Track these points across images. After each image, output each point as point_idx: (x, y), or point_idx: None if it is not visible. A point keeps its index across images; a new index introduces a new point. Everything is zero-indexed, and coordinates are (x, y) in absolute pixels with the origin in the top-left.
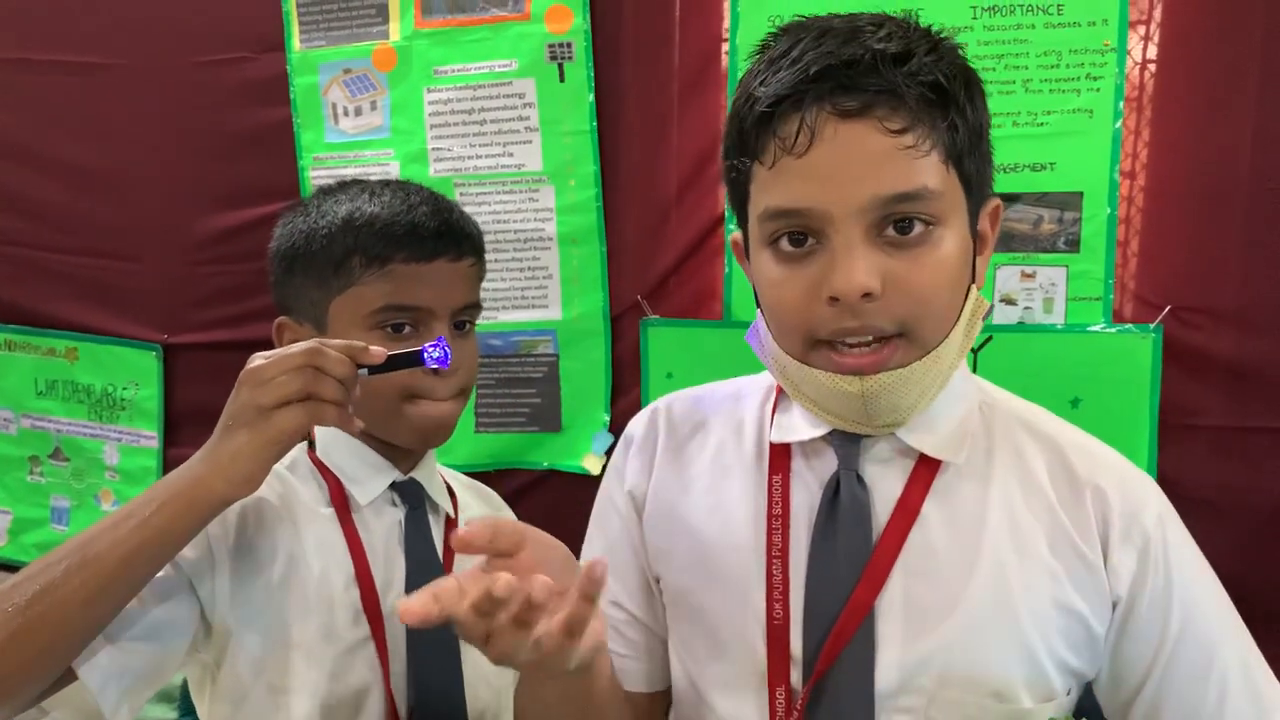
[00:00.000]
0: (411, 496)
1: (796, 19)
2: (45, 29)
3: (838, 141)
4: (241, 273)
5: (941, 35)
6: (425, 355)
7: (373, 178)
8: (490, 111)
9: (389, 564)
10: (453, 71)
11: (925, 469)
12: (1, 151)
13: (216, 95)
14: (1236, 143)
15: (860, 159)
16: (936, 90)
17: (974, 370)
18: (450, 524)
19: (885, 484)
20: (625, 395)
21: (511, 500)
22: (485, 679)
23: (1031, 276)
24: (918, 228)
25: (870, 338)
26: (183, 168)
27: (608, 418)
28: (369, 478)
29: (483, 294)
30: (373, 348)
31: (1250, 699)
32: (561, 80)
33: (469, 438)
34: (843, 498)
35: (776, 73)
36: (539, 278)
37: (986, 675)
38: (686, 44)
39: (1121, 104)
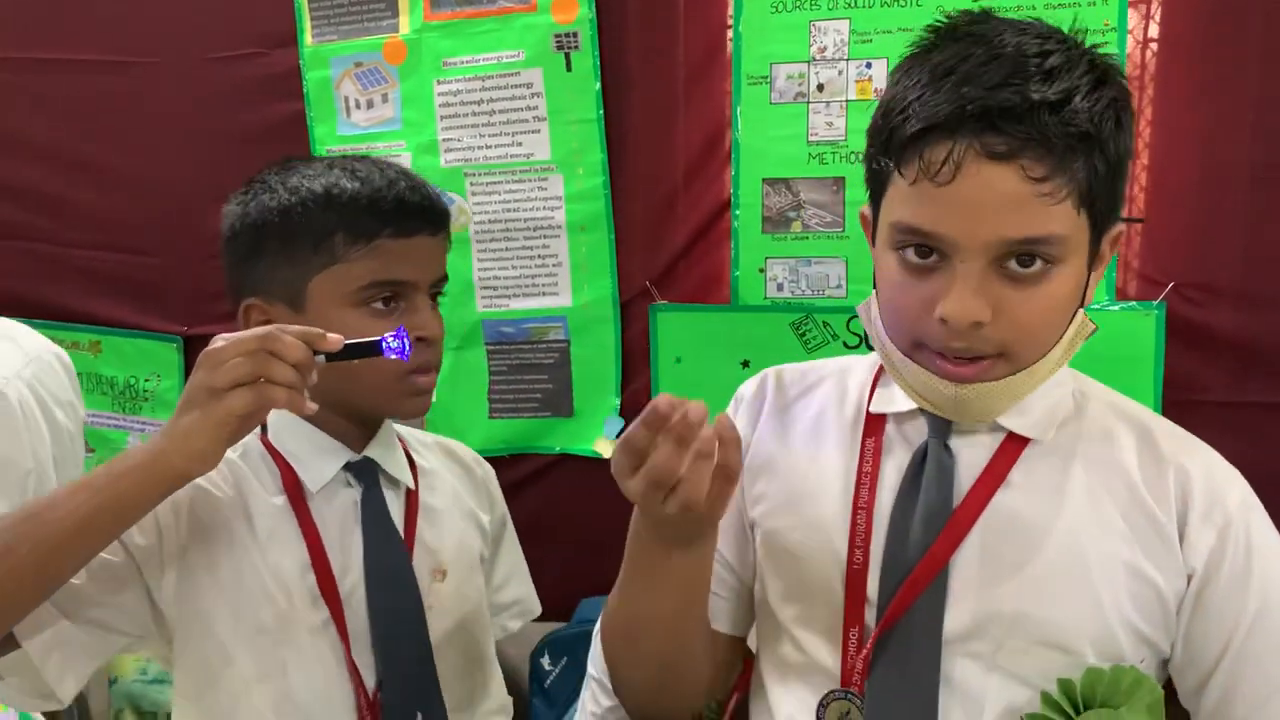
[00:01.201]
0: (367, 475)
1: (964, 14)
2: (62, 29)
3: (979, 180)
4: None
5: (1103, 61)
6: (385, 346)
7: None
8: (499, 102)
9: (346, 545)
10: (461, 63)
11: (1013, 445)
12: (24, 150)
13: (231, 91)
14: (1239, 120)
15: (997, 201)
16: (1084, 139)
17: None
18: (411, 496)
19: (972, 454)
20: (635, 380)
21: (525, 484)
22: (451, 641)
23: None
24: (1038, 264)
25: (969, 353)
26: (200, 163)
27: (618, 402)
28: (320, 462)
29: (495, 282)
30: (330, 335)
31: None
32: (568, 70)
33: (482, 423)
34: (929, 462)
35: (937, 92)
36: (549, 265)
37: (1053, 628)
38: (691, 31)
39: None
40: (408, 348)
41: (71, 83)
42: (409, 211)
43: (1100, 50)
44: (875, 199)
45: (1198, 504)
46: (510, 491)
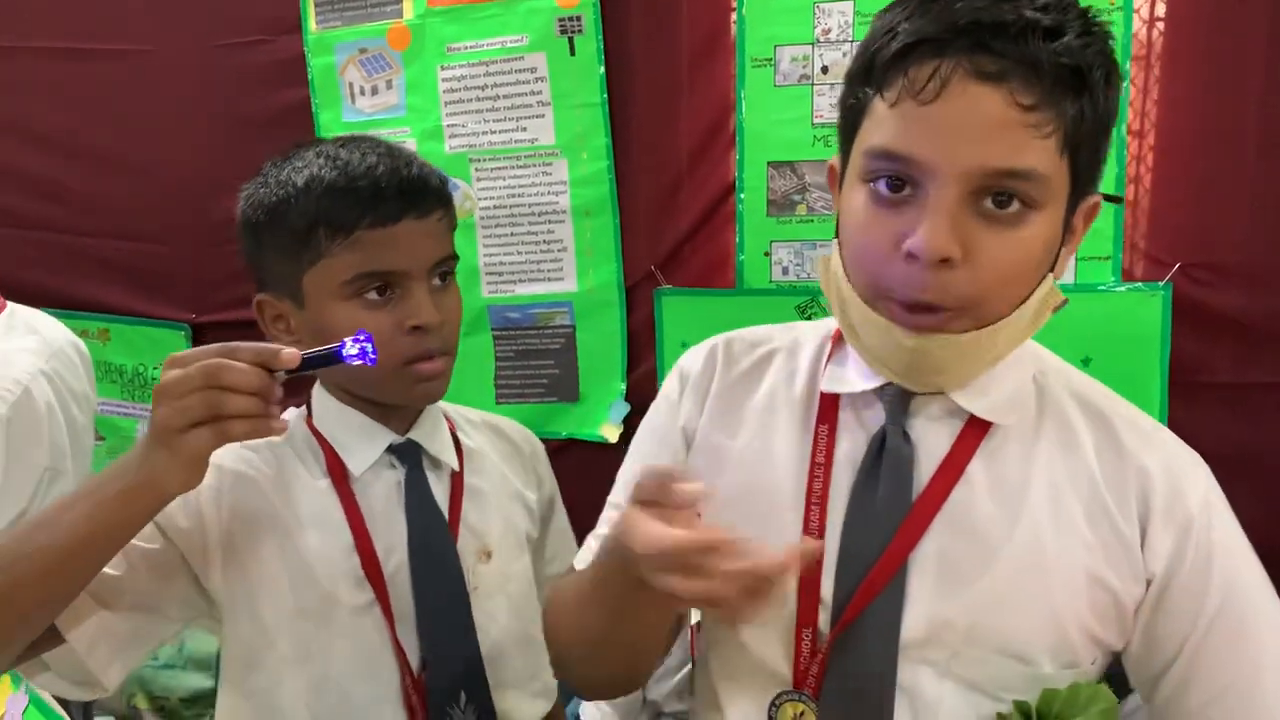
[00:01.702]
0: (410, 457)
1: None
2: (70, 18)
3: (965, 100)
4: None
5: (1097, 19)
6: (343, 354)
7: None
8: (503, 87)
9: (390, 527)
10: (465, 48)
11: (973, 431)
12: (32, 139)
13: (236, 78)
14: (1246, 99)
15: (982, 124)
16: (1076, 74)
17: None
18: (456, 478)
19: (931, 441)
20: (641, 364)
21: None
22: (496, 622)
23: None
24: (1014, 206)
25: (933, 298)
26: (206, 150)
27: (624, 387)
28: (362, 445)
29: (500, 267)
30: (285, 351)
31: None
32: (572, 54)
33: (488, 409)
34: (887, 451)
35: (926, 14)
36: (554, 250)
37: (1012, 638)
38: (695, 14)
39: (1129, 62)
40: (371, 351)
41: (78, 71)
42: (386, 197)
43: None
44: (847, 140)
45: (1158, 505)
46: None
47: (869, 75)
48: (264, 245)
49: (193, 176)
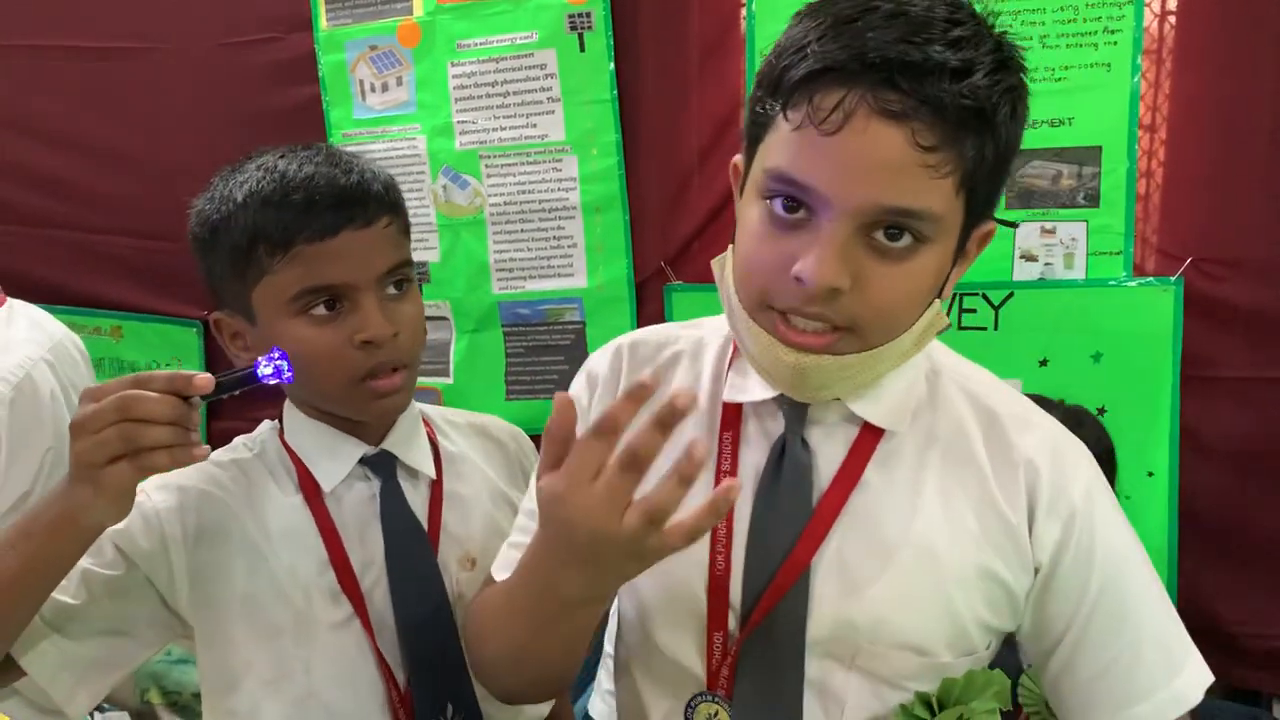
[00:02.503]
0: (384, 468)
1: None
2: (82, 16)
3: (866, 137)
4: None
5: (1011, 53)
6: (259, 375)
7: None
8: (513, 83)
9: (366, 540)
10: (475, 45)
11: (868, 437)
12: (44, 137)
13: (247, 75)
14: (1257, 94)
15: (881, 163)
16: (979, 114)
17: (995, 328)
18: (435, 486)
19: (829, 449)
20: None
21: None
22: None
23: (1051, 232)
24: (906, 239)
25: (819, 325)
26: (218, 148)
27: None
28: (333, 459)
29: (510, 264)
30: (196, 377)
31: (1163, 647)
32: (582, 50)
33: (499, 405)
34: (787, 460)
35: (837, 38)
36: (564, 246)
37: (911, 633)
38: (705, 11)
39: (1140, 57)
40: (287, 369)
41: (90, 69)
42: (323, 208)
43: (1110, 20)
44: (751, 146)
45: (1044, 499)
46: None
47: (776, 89)
48: (212, 263)
49: (204, 174)
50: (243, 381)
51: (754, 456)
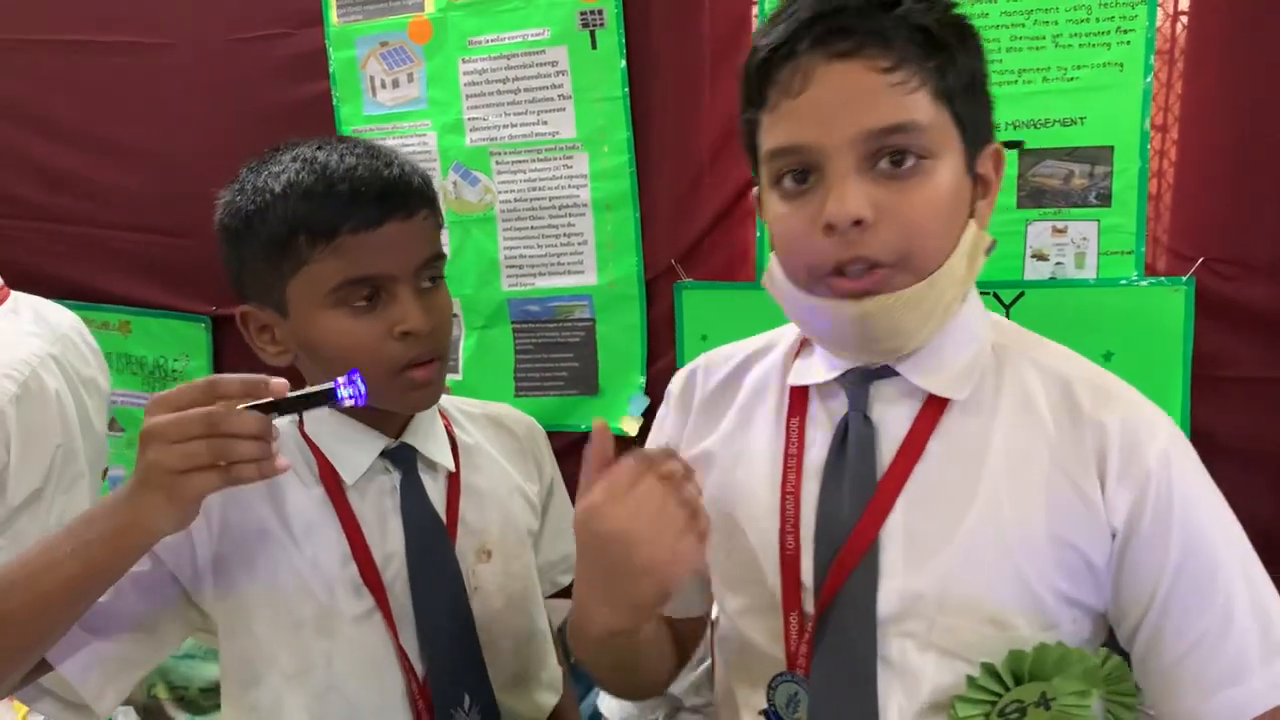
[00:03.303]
0: (404, 461)
1: None
2: (91, 11)
3: (829, 80)
4: None
5: None
6: (339, 396)
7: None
8: (524, 80)
9: (386, 533)
10: (487, 42)
11: (931, 408)
12: (52, 132)
13: (257, 71)
14: (1270, 94)
15: (851, 95)
16: (924, 33)
17: None
18: (452, 479)
19: (892, 423)
20: (661, 358)
21: None
22: (499, 622)
23: (1063, 232)
24: (910, 160)
25: (864, 266)
26: (227, 143)
27: (644, 381)
28: (356, 452)
29: (520, 261)
30: (273, 382)
31: (1259, 625)
32: (594, 47)
33: (508, 402)
34: (850, 437)
35: (775, 25)
36: (574, 244)
37: (981, 603)
38: (717, 9)
39: (1153, 57)
40: (362, 390)
41: (99, 65)
42: (367, 200)
43: (1123, 20)
44: (754, 160)
45: (1114, 463)
46: None
47: (750, 97)
48: (244, 255)
49: (213, 170)
50: (318, 400)
51: (820, 438)
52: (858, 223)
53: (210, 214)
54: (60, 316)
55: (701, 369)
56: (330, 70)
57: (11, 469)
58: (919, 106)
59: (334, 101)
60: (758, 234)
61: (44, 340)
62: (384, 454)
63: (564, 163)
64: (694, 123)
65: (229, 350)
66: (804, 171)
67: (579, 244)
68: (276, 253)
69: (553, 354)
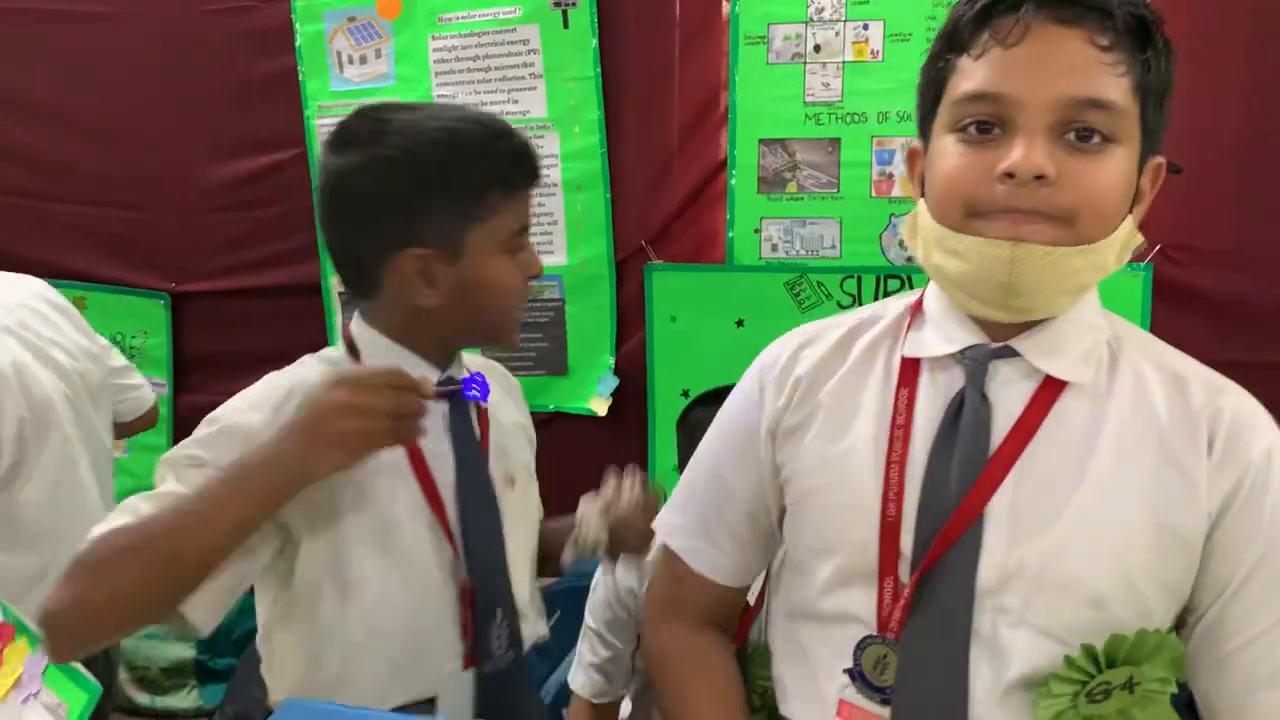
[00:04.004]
0: (452, 393)
1: None
2: None
3: (1047, 39)
4: (249, 221)
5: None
6: (467, 394)
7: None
8: (495, 59)
9: (441, 460)
10: (457, 19)
11: (1048, 390)
12: (6, 105)
13: (222, 44)
14: (1227, 89)
15: (1063, 59)
16: (1142, 24)
17: None
18: (481, 410)
19: (1007, 403)
20: (630, 339)
21: None
22: (519, 547)
23: None
24: (1095, 139)
25: (1030, 214)
26: (189, 117)
27: (613, 361)
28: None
29: None
30: (426, 384)
31: None
32: (565, 27)
33: None
34: (966, 412)
35: None
36: (544, 224)
37: (1080, 584)
38: None
39: None
40: (484, 389)
41: (59, 34)
42: (534, 162)
43: None
44: (930, 111)
45: (1220, 449)
46: None
47: (952, 43)
48: (430, 202)
49: (176, 143)
50: (449, 395)
51: (929, 411)
52: (1040, 177)
53: (170, 188)
54: (13, 292)
55: (803, 342)
56: (296, 45)
57: None
58: (1121, 90)
59: (300, 77)
60: (728, 217)
61: None
62: (437, 385)
63: (535, 142)
64: (666, 105)
65: (189, 327)
66: (989, 124)
67: (549, 224)
68: (468, 202)
69: (522, 334)
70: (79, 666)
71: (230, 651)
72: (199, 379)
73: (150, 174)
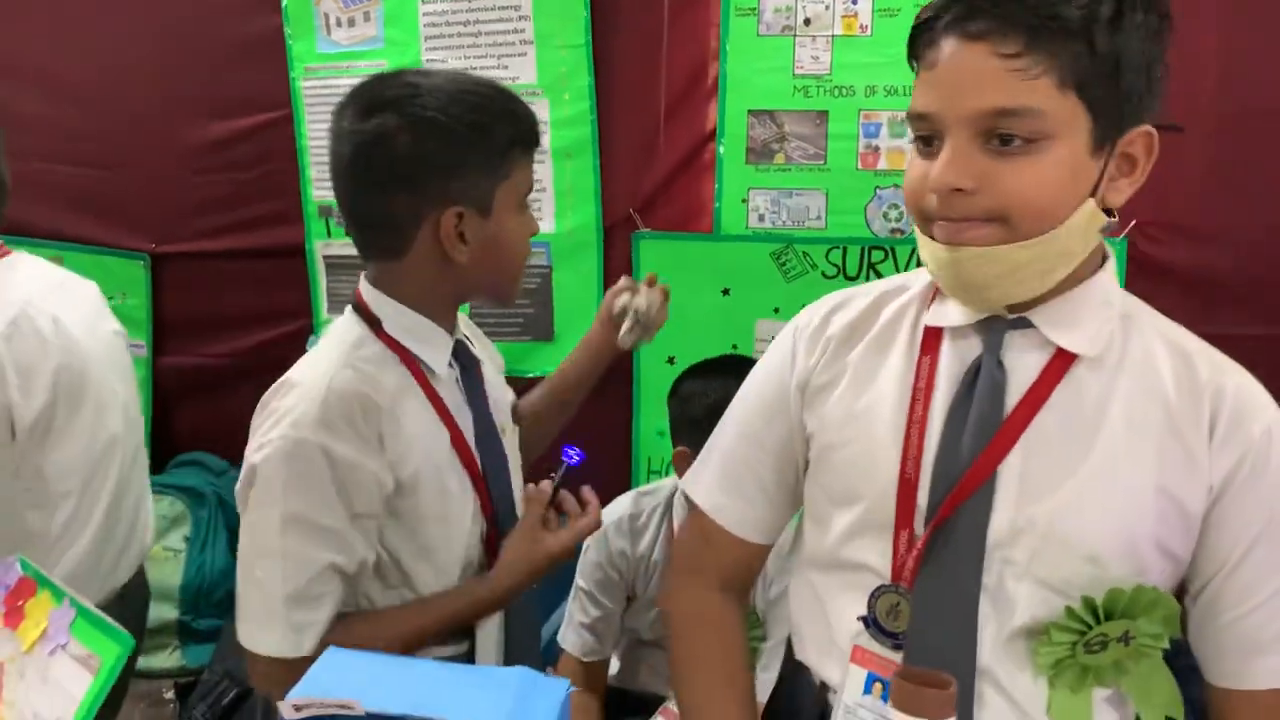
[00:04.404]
0: (463, 354)
1: None
2: None
3: (957, 60)
4: (232, 182)
5: None
6: (572, 464)
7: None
8: (485, 24)
9: (459, 412)
10: None
11: (1060, 361)
12: None
13: (207, 4)
14: (1201, 67)
15: (971, 76)
16: (1056, 20)
17: None
18: (478, 368)
19: (1022, 371)
20: None
21: None
22: (514, 490)
23: None
24: (1016, 142)
25: (960, 222)
26: (173, 76)
27: None
28: (437, 349)
29: None
30: (590, 523)
31: None
32: None
33: None
34: (981, 378)
35: (932, 1)
36: (533, 191)
37: (1083, 542)
38: None
39: None
40: (579, 455)
41: None
42: (537, 125)
43: None
44: None
45: (1223, 426)
46: None
47: (910, 58)
48: (466, 161)
49: (159, 103)
50: (566, 479)
51: (949, 376)
52: (955, 190)
53: (149, 148)
54: (59, 274)
55: (835, 306)
56: (283, 5)
57: (15, 406)
58: (1038, 94)
59: (286, 38)
60: (716, 186)
61: (38, 285)
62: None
63: None
64: (655, 74)
65: (169, 289)
66: (930, 137)
67: (538, 191)
68: (498, 158)
69: None
70: (108, 618)
71: (212, 613)
72: (179, 341)
73: (133, 133)
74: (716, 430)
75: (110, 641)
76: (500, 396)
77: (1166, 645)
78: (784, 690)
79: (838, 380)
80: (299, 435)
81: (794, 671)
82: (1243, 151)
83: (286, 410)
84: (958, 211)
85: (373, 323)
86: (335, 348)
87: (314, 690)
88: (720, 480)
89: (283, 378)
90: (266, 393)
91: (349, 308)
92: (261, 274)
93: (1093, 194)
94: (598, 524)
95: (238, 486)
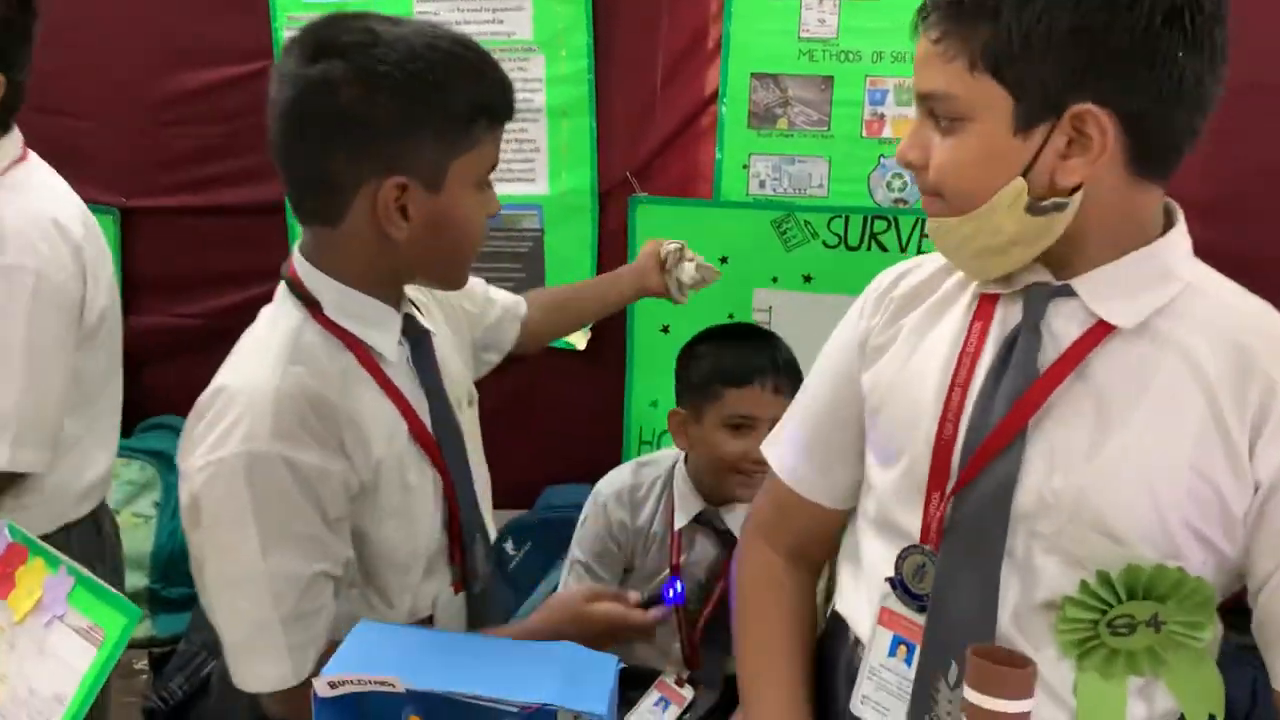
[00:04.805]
0: (412, 330)
1: None
2: None
3: (920, 43)
4: (209, 135)
5: None
6: (668, 599)
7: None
8: None
9: (412, 393)
10: None
11: (1099, 330)
12: None
13: None
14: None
15: (919, 59)
16: (958, 6)
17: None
18: (428, 339)
19: (1060, 337)
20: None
21: (495, 373)
22: (478, 464)
23: None
24: (944, 123)
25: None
26: (148, 21)
27: None
28: (385, 331)
29: None
30: (649, 622)
31: None
32: None
33: None
34: (1020, 343)
35: None
36: (525, 150)
37: (1111, 519)
38: None
39: None
40: (681, 590)
41: None
42: (513, 95)
43: None
44: None
45: (1274, 420)
46: (480, 381)
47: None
48: (415, 125)
49: (132, 49)
50: (656, 604)
51: (994, 341)
52: (907, 163)
53: (121, 98)
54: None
55: (907, 269)
56: None
57: (87, 298)
58: (949, 76)
59: None
60: (717, 151)
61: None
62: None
63: (519, 65)
64: (654, 33)
65: (140, 245)
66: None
67: (530, 151)
68: (455, 129)
69: (499, 263)
70: (110, 588)
71: (184, 581)
72: (150, 300)
73: (104, 80)
74: (795, 400)
75: (116, 613)
76: (453, 369)
77: (1205, 636)
78: (825, 638)
79: (893, 341)
80: (254, 449)
81: (835, 621)
82: (1242, 128)
83: (233, 423)
84: (921, 184)
85: (310, 304)
86: (273, 341)
87: (348, 667)
88: (794, 444)
89: (215, 384)
90: (199, 400)
91: (281, 286)
92: (238, 231)
93: (1025, 173)
94: (646, 625)
95: (183, 509)
